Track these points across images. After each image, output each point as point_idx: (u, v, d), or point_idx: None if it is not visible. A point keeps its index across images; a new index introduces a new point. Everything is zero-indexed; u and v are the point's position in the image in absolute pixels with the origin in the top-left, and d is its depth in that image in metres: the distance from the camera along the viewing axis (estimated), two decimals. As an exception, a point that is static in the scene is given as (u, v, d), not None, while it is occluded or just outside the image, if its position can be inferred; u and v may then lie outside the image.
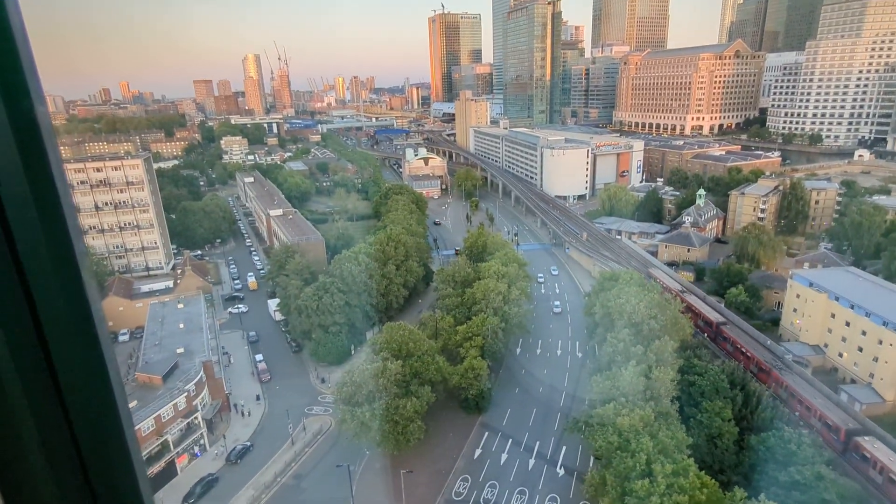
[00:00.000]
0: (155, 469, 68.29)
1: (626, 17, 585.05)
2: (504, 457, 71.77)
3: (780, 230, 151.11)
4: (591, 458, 67.44)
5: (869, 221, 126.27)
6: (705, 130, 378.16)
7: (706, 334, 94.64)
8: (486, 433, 76.64)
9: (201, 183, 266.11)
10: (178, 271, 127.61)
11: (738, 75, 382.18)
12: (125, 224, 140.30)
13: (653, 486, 51.64)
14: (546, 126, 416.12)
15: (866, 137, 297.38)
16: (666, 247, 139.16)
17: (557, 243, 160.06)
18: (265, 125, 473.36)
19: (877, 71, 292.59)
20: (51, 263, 2.46)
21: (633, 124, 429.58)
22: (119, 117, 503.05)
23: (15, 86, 2.30)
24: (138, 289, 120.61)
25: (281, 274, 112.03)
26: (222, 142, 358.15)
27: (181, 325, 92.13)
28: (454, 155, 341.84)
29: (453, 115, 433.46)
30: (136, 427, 65.80)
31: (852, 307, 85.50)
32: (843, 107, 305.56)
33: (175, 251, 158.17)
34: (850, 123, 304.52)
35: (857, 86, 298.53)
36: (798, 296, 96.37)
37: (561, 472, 69.05)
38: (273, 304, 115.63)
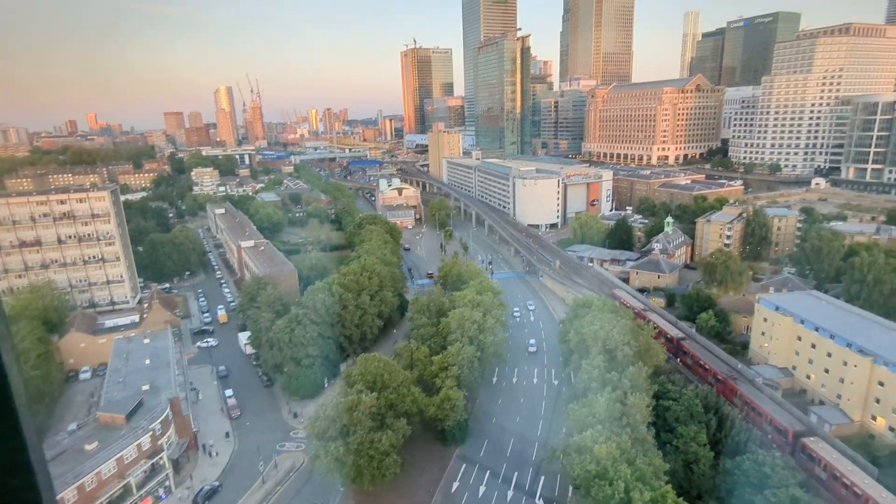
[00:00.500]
0: (116, 514, 64.77)
1: (591, 53, 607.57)
2: (482, 489, 70.43)
3: (746, 256, 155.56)
4: (570, 488, 66.66)
5: (828, 246, 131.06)
6: (671, 160, 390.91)
7: (668, 349, 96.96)
8: (464, 465, 75.28)
9: (171, 215, 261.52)
10: (145, 305, 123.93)
11: (699, 108, 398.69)
12: (89, 257, 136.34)
13: (632, 514, 51.15)
14: (517, 157, 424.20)
15: (822, 166, 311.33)
16: (637, 273, 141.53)
17: (531, 271, 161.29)
18: (237, 156, 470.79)
19: (828, 104, 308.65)
20: None
21: (602, 154, 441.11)
22: (85, 149, 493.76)
23: None
24: (102, 324, 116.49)
25: (252, 306, 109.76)
26: (193, 173, 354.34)
27: (147, 361, 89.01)
28: (427, 185, 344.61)
29: (426, 146, 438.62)
30: (96, 470, 62.78)
31: (817, 330, 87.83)
32: (798, 138, 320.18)
33: (142, 284, 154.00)
34: (806, 153, 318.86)
35: (811, 118, 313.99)
36: (765, 319, 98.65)
37: (540, 502, 67.99)
38: (244, 337, 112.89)
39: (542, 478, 71.73)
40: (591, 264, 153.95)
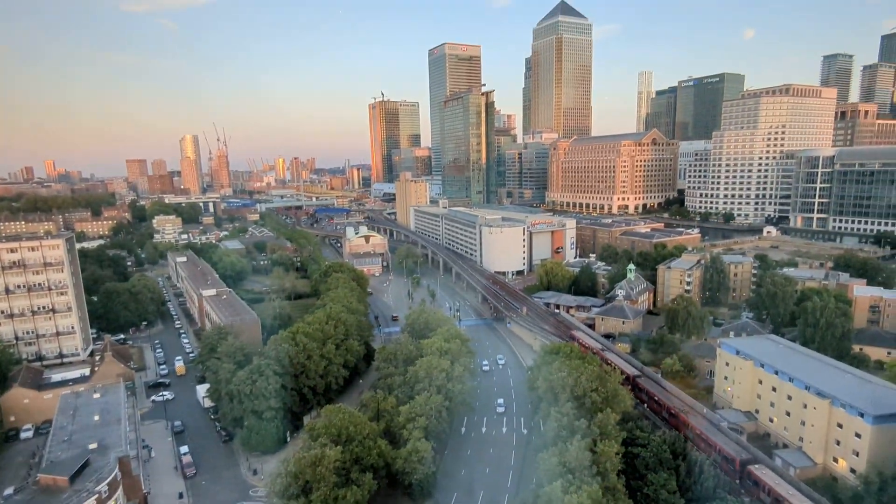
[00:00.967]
0: (53, 589, 59.23)
1: (553, 108, 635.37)
2: (451, 546, 67.62)
3: (706, 301, 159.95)
4: (542, 542, 64.60)
5: (782, 292, 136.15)
6: (630, 209, 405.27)
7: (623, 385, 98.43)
8: (432, 521, 72.42)
9: (129, 263, 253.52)
10: (97, 357, 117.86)
11: (656, 160, 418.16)
12: (38, 307, 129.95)
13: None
14: (484, 205, 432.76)
15: (772, 215, 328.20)
16: (602, 319, 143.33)
17: (499, 318, 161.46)
18: (201, 204, 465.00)
19: (774, 157, 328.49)
20: None
21: (565, 204, 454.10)
22: (41, 196, 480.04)
23: None
24: (48, 378, 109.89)
25: (212, 357, 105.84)
26: (154, 221, 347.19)
27: (96, 417, 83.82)
28: (395, 233, 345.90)
29: (394, 194, 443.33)
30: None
31: (777, 373, 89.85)
32: (749, 188, 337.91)
33: (95, 336, 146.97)
34: (757, 203, 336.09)
35: (759, 170, 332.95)
36: (727, 364, 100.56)
37: (511, 559, 65.62)
38: (202, 389, 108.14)
39: (513, 532, 69.51)
40: (557, 311, 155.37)
